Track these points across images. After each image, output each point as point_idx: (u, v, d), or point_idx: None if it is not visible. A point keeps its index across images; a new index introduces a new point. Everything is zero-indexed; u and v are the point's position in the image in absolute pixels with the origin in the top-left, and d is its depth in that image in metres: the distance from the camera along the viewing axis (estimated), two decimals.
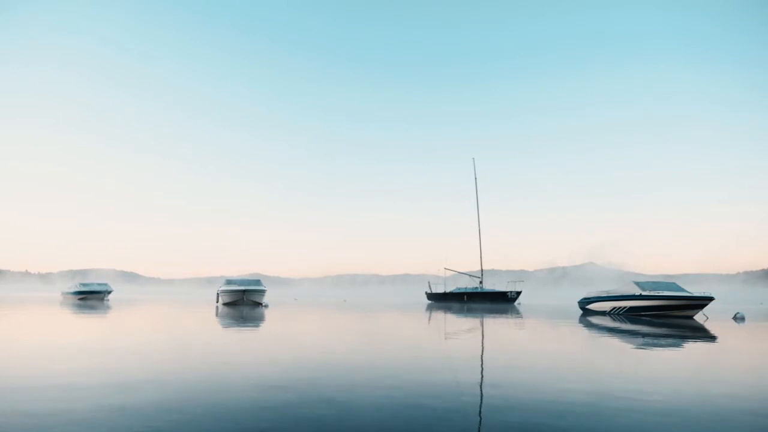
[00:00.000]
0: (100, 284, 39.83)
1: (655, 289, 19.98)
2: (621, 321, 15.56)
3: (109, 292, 38.92)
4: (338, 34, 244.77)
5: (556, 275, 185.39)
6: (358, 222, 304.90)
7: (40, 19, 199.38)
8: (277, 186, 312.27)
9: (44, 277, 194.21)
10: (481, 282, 42.67)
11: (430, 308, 26.11)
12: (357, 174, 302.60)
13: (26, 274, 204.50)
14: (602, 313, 20.66)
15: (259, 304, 26.93)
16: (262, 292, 28.12)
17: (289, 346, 7.80)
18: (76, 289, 38.05)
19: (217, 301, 29.26)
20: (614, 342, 9.25)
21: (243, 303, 27.07)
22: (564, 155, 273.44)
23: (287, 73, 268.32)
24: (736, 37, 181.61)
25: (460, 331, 11.61)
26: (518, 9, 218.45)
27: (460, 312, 21.79)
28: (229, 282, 29.43)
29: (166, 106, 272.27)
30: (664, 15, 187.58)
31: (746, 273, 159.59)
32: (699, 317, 18.38)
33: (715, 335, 11.04)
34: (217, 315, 16.70)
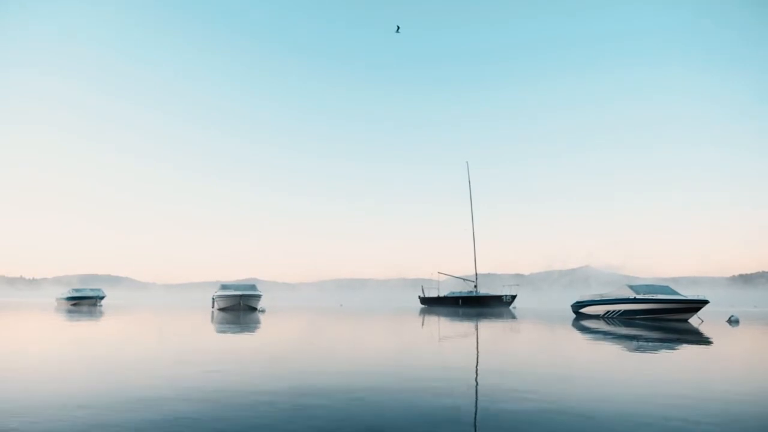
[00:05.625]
0: (92, 290, 39.69)
1: (649, 293, 19.98)
2: (615, 324, 15.58)
3: (102, 298, 38.71)
4: (335, 36, 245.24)
5: (553, 278, 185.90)
6: (354, 226, 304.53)
7: (38, 23, 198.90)
8: (271, 190, 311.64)
9: (39, 283, 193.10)
10: (475, 286, 42.59)
11: (423, 313, 26.06)
12: (352, 177, 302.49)
13: (20, 280, 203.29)
14: (596, 317, 20.68)
15: (255, 308, 26.84)
16: (257, 297, 28.07)
17: (289, 351, 7.77)
18: (69, 295, 37.86)
19: (213, 306, 29.13)
20: (608, 346, 9.26)
21: (239, 308, 26.95)
22: (561, 157, 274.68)
23: (285, 77, 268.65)
24: (737, 37, 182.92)
25: (454, 336, 11.60)
26: (517, 9, 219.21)
27: (454, 316, 21.77)
28: (224, 287, 29.33)
29: (165, 111, 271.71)
30: (664, 15, 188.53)
31: (742, 276, 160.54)
32: (694, 320, 18.43)
33: (710, 338, 11.07)
34: (212, 320, 16.61)
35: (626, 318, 19.84)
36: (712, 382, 5.31)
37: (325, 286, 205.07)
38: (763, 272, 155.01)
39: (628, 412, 3.66)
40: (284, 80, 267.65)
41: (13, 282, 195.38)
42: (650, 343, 9.52)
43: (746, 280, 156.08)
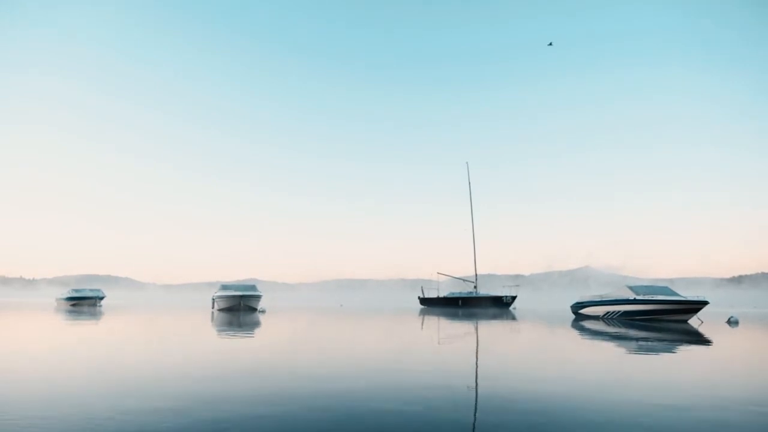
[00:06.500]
0: (92, 290, 39.65)
1: (648, 294, 19.99)
2: (615, 325, 15.59)
3: (102, 298, 38.67)
4: (335, 36, 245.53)
5: (553, 279, 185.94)
6: (354, 226, 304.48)
7: (38, 23, 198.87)
8: (271, 190, 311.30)
9: (39, 283, 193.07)
10: (475, 286, 42.56)
11: (423, 313, 26.06)
12: (352, 177, 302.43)
13: (20, 280, 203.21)
14: (596, 318, 20.68)
15: (255, 309, 26.83)
16: (258, 297, 28.07)
17: (290, 353, 7.78)
18: (69, 295, 37.84)
19: (213, 307, 29.11)
20: (608, 347, 9.27)
21: (239, 308, 26.93)
22: (561, 157, 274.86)
23: (285, 77, 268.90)
24: (737, 37, 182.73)
25: (453, 337, 11.60)
26: (517, 9, 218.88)
27: (454, 317, 21.77)
28: (224, 287, 29.30)
29: (165, 111, 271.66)
30: (664, 15, 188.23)
31: (741, 276, 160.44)
32: (693, 321, 18.43)
33: (709, 339, 11.08)
34: (212, 321, 16.62)
35: (626, 319, 19.85)
36: (712, 383, 5.32)
37: (325, 287, 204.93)
38: (763, 273, 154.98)
39: (627, 414, 3.67)
40: (284, 80, 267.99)
41: (12, 282, 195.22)
42: (650, 344, 9.52)
43: (746, 280, 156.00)
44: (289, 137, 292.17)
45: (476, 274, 43.37)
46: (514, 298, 37.72)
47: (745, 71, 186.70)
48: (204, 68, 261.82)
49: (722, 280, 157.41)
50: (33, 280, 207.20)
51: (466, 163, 46.23)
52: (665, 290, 20.54)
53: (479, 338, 10.96)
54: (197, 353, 7.68)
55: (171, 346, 8.82)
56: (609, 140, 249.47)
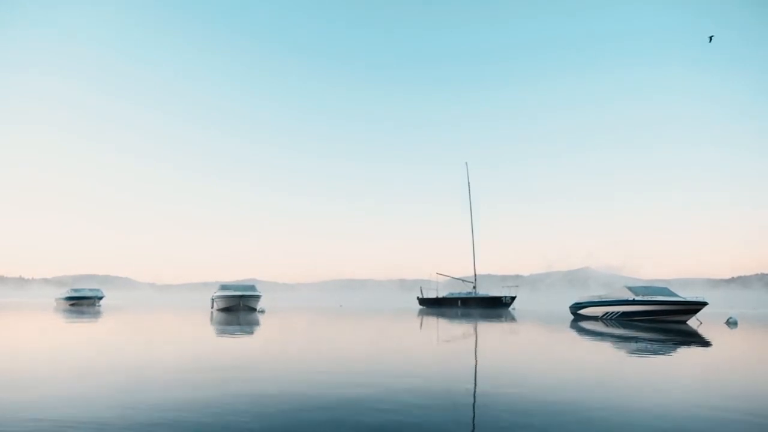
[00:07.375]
0: (91, 290, 39.67)
1: (647, 294, 19.98)
2: (613, 326, 15.60)
3: (101, 298, 38.66)
4: (335, 36, 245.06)
5: (552, 279, 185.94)
6: (354, 226, 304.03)
7: (38, 23, 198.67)
8: (271, 190, 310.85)
9: (38, 283, 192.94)
10: (474, 287, 42.54)
11: (422, 314, 26.07)
12: (352, 177, 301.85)
13: (19, 280, 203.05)
14: (594, 318, 20.69)
15: (255, 309, 26.83)
16: (257, 297, 28.08)
17: (289, 353, 7.79)
18: (68, 295, 37.86)
19: (212, 307, 29.11)
20: (607, 348, 9.28)
21: (238, 308, 26.93)
22: (561, 157, 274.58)
23: (285, 77, 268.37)
24: (737, 37, 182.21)
25: (452, 338, 11.61)
26: (517, 9, 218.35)
27: (453, 318, 21.78)
28: (224, 287, 29.30)
29: (165, 111, 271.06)
30: (664, 15, 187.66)
31: (741, 277, 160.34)
32: (692, 322, 18.44)
33: (708, 340, 11.10)
34: (212, 321, 16.63)
35: (625, 319, 19.84)
36: (711, 385, 5.33)
37: (324, 287, 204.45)
38: (763, 273, 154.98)
39: (627, 415, 3.68)
40: (284, 80, 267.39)
41: (11, 282, 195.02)
42: (649, 345, 9.53)
43: (745, 281, 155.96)
44: (289, 137, 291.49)
45: (475, 275, 43.37)
46: (513, 298, 37.72)
47: (745, 71, 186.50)
48: (204, 68, 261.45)
49: (721, 280, 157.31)
50: (32, 279, 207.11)
51: (466, 163, 46.18)
52: (664, 291, 20.53)
53: (478, 339, 10.97)
54: (196, 353, 7.69)
55: (170, 346, 8.83)
56: (609, 140, 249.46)
